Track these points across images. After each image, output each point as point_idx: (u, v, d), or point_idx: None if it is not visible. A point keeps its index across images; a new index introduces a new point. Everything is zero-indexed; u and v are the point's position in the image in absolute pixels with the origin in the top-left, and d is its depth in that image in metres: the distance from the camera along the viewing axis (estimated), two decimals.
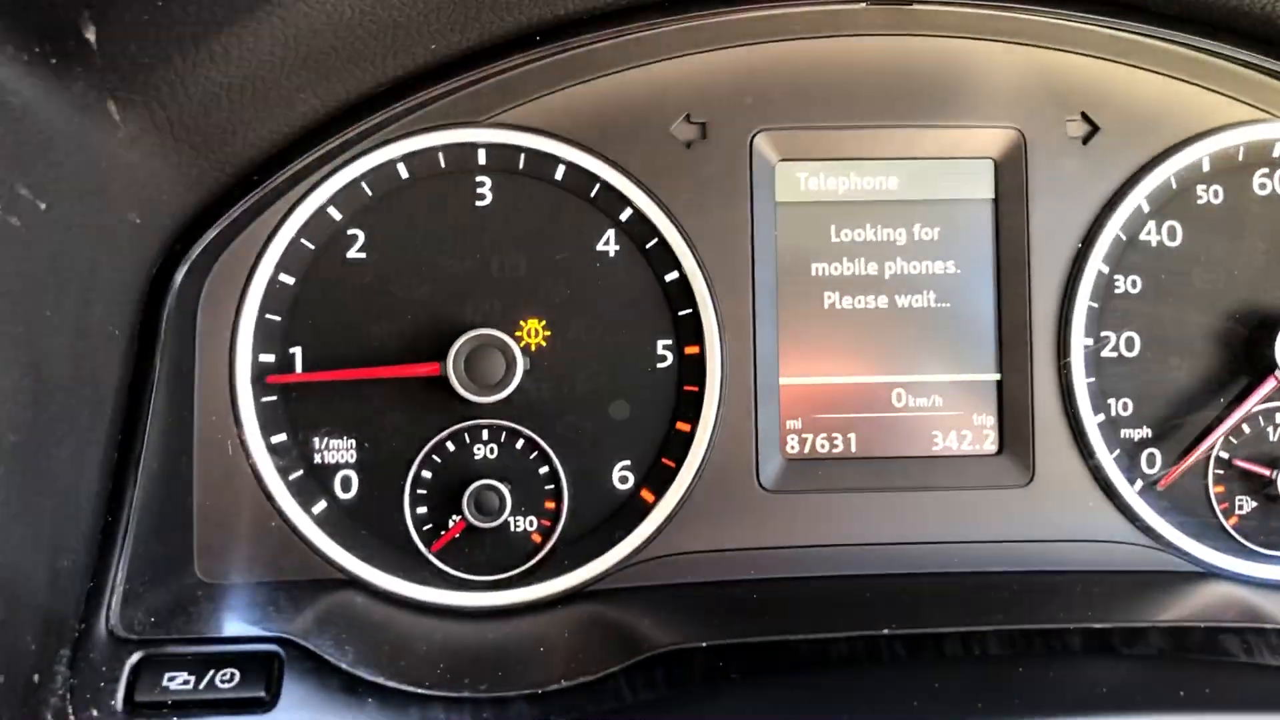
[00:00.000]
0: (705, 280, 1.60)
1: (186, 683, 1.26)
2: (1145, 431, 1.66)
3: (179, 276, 1.49)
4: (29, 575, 1.22)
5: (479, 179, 1.60)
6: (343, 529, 1.58)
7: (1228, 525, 1.65)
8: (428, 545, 1.58)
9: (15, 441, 1.16)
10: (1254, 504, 1.66)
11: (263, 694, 1.27)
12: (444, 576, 1.58)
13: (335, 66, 1.38)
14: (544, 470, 1.60)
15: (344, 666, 1.32)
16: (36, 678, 1.20)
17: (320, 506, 1.58)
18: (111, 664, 1.28)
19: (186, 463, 1.54)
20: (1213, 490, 1.66)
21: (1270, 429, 1.66)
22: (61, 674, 1.23)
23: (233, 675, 1.27)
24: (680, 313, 1.61)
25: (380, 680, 1.32)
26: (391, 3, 1.29)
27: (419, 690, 1.31)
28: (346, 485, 1.59)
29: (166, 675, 1.27)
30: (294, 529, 1.56)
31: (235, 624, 1.43)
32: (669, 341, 1.62)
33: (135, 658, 1.29)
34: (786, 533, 1.61)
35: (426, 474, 1.59)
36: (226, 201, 1.52)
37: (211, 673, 1.27)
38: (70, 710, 1.22)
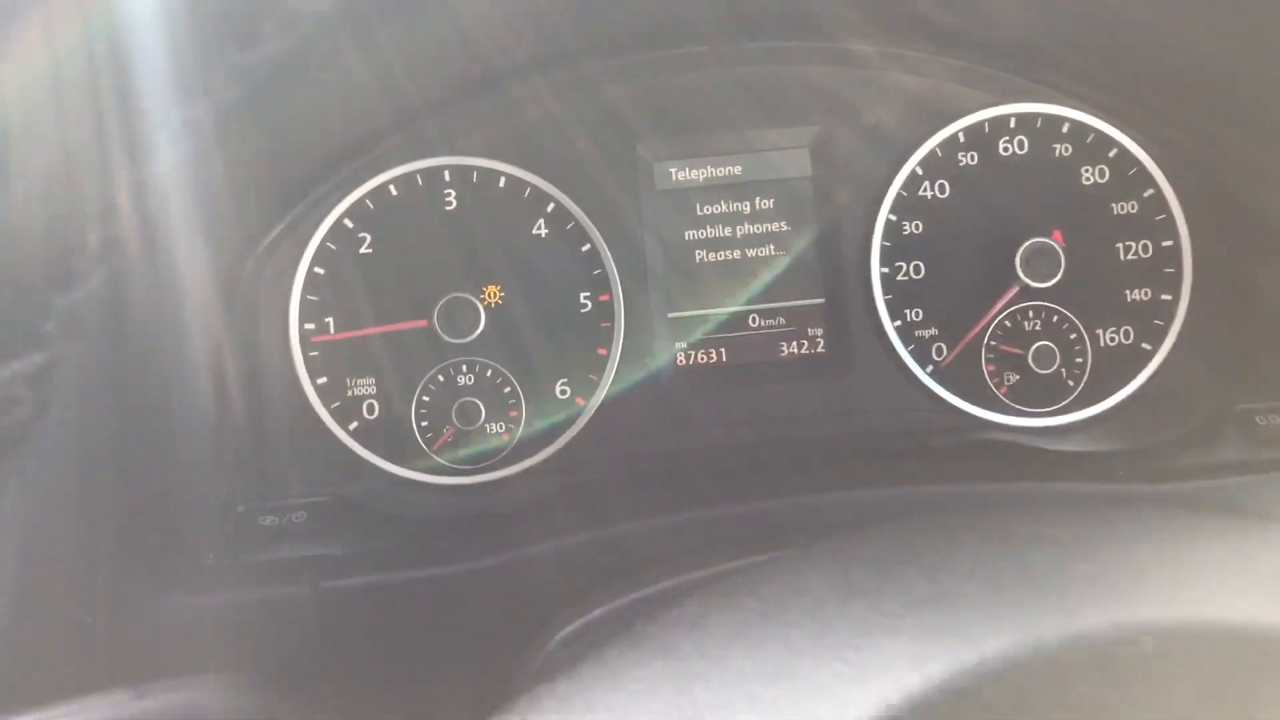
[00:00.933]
0: (608, 249, 2.23)
1: (273, 521, 1.90)
2: (933, 330, 2.24)
3: (244, 273, 2.16)
4: (166, 474, 1.88)
5: (446, 190, 2.20)
6: (370, 439, 2.17)
7: (999, 394, 2.22)
8: (429, 447, 2.20)
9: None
10: (1017, 377, 2.22)
11: (323, 526, 1.93)
12: (441, 468, 2.18)
13: (344, 124, 2.06)
14: (507, 390, 2.20)
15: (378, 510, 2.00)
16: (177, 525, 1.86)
17: (354, 425, 2.17)
18: (225, 514, 1.93)
19: (259, 399, 2.20)
20: (986, 369, 2.23)
21: (1024, 322, 2.23)
22: (191, 523, 1.90)
23: (303, 514, 1.92)
24: (594, 272, 2.21)
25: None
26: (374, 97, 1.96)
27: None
28: (371, 410, 2.19)
29: (259, 518, 1.91)
30: (337, 441, 2.21)
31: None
32: (588, 293, 2.21)
33: (240, 509, 1.96)
34: (681, 420, 2.20)
35: (425, 397, 2.19)
36: (273, 220, 2.17)
37: (289, 515, 1.91)
38: (200, 543, 1.88)
